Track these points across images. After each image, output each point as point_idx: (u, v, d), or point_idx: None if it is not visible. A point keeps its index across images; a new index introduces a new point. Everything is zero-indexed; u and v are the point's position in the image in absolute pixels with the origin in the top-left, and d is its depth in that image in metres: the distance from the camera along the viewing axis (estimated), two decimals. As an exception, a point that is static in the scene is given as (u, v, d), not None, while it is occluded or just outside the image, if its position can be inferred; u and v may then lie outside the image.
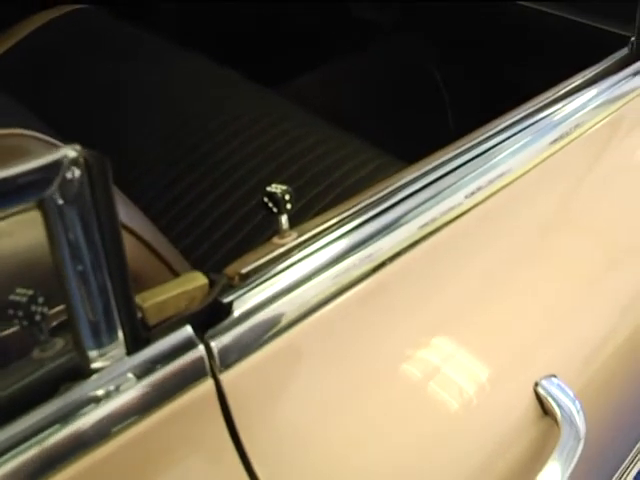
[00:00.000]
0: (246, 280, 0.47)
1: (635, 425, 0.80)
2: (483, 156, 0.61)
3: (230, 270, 0.48)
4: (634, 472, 0.84)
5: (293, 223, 0.51)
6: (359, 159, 0.89)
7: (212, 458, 0.44)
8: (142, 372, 0.40)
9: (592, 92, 0.71)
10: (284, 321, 0.47)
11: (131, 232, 0.54)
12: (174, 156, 0.95)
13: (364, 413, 0.51)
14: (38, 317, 0.36)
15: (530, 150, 0.64)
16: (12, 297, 0.36)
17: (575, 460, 0.55)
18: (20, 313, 0.36)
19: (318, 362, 0.49)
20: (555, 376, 0.59)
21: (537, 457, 0.56)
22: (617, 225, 0.72)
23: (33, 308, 0.36)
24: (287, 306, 0.47)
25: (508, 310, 0.60)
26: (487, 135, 0.62)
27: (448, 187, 0.57)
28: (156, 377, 0.40)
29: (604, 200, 0.71)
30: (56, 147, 0.34)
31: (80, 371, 0.39)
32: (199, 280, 0.46)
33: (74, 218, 0.35)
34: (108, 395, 0.39)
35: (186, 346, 0.42)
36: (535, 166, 0.64)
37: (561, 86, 0.70)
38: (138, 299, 0.42)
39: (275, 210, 0.49)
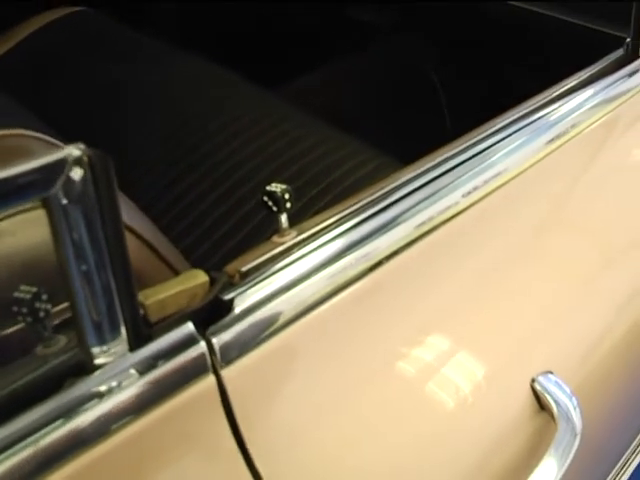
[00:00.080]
0: (246, 278, 0.47)
1: (632, 422, 0.80)
2: (479, 156, 0.61)
3: (230, 268, 0.48)
4: (631, 469, 0.84)
5: (293, 222, 0.51)
6: (358, 159, 0.89)
7: (214, 453, 0.44)
8: (144, 368, 0.41)
9: (588, 93, 0.71)
10: (282, 319, 0.47)
11: (132, 232, 0.54)
12: (174, 156, 0.95)
13: (360, 411, 0.51)
14: (42, 314, 0.37)
15: (526, 150, 0.64)
16: (16, 294, 0.36)
17: (571, 456, 0.55)
18: (24, 310, 0.36)
19: (315, 361, 0.50)
20: (552, 372, 0.59)
21: (533, 453, 0.56)
22: (613, 224, 0.72)
23: (37, 305, 0.36)
24: (285, 305, 0.47)
25: (504, 308, 0.61)
26: (483, 135, 0.63)
27: (445, 187, 0.58)
28: (158, 373, 0.41)
29: (600, 199, 0.72)
30: (57, 147, 0.34)
31: (83, 367, 0.39)
32: (200, 278, 0.46)
33: (78, 217, 0.35)
34: (111, 391, 0.39)
35: (188, 342, 0.42)
36: (531, 166, 0.64)
37: (557, 87, 0.71)
38: (140, 296, 0.42)
39: (275, 209, 0.50)
